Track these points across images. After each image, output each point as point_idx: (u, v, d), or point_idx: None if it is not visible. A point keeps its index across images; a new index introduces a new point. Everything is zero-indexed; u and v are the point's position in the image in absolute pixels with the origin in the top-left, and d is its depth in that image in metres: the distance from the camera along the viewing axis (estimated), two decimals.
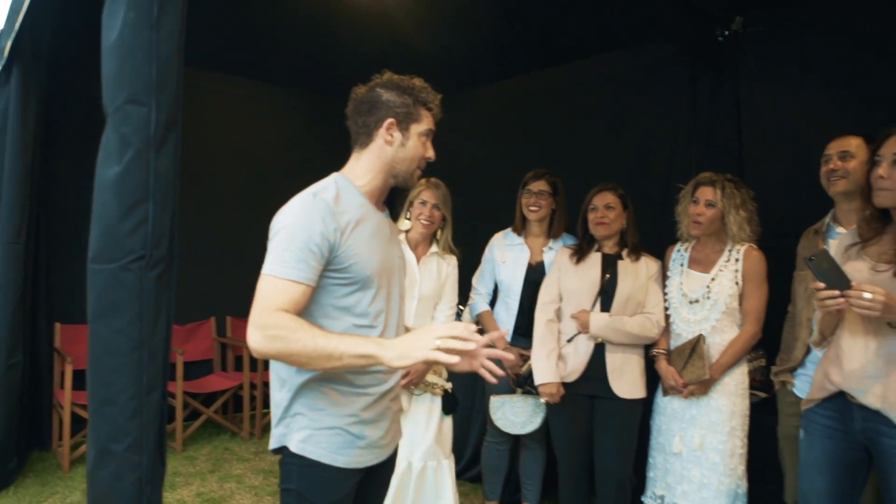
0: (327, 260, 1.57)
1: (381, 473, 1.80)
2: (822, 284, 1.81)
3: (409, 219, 2.99)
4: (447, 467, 2.93)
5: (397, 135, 1.70)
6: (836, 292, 1.79)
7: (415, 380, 2.77)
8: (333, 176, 1.72)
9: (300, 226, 1.55)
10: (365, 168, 1.73)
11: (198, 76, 4.83)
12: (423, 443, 2.87)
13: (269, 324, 1.47)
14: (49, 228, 4.24)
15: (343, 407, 1.64)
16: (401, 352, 1.44)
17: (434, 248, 3.01)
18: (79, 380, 3.77)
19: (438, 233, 3.03)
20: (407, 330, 1.71)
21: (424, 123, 1.72)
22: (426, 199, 2.95)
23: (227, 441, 4.65)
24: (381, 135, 1.70)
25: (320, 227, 1.55)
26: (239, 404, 4.94)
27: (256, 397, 4.81)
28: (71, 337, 4.29)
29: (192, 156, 4.66)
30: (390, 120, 1.68)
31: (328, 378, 1.62)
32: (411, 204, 2.99)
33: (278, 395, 1.67)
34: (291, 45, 4.46)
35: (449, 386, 2.95)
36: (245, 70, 5.14)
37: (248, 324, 1.55)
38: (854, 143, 2.39)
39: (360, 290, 1.64)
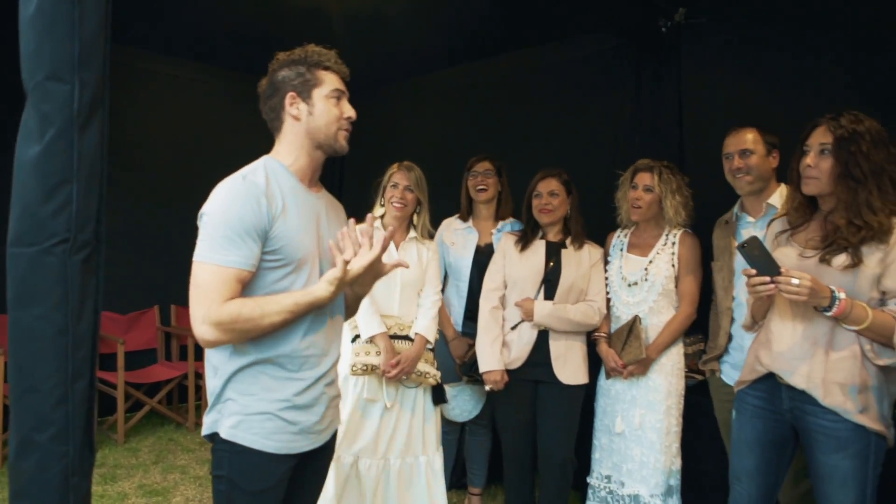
0: (262, 243, 1.56)
1: (317, 460, 1.79)
2: (753, 271, 1.87)
3: (382, 204, 2.90)
4: (423, 464, 2.80)
5: (302, 106, 1.69)
6: (767, 278, 1.85)
7: (406, 369, 2.70)
8: (263, 158, 1.71)
9: (233, 210, 1.53)
10: (288, 148, 1.72)
11: (132, 55, 4.67)
12: (401, 439, 2.76)
13: (222, 319, 1.49)
14: None
15: (275, 392, 1.62)
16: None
17: (412, 233, 2.93)
18: None
19: (415, 217, 2.94)
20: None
21: (327, 84, 1.70)
22: (397, 182, 2.86)
23: (172, 432, 4.55)
24: (287, 112, 1.69)
25: (254, 210, 1.54)
26: (184, 394, 4.85)
27: (202, 387, 4.71)
28: (1, 327, 4.12)
29: (132, 139, 4.61)
30: (290, 94, 1.68)
31: (261, 363, 1.61)
32: (384, 189, 2.90)
33: (212, 383, 1.66)
34: (232, 26, 4.32)
35: (439, 375, 2.87)
36: (182, 50, 4.97)
37: (191, 315, 1.53)
38: (750, 139, 2.50)
39: (294, 272, 1.63)
